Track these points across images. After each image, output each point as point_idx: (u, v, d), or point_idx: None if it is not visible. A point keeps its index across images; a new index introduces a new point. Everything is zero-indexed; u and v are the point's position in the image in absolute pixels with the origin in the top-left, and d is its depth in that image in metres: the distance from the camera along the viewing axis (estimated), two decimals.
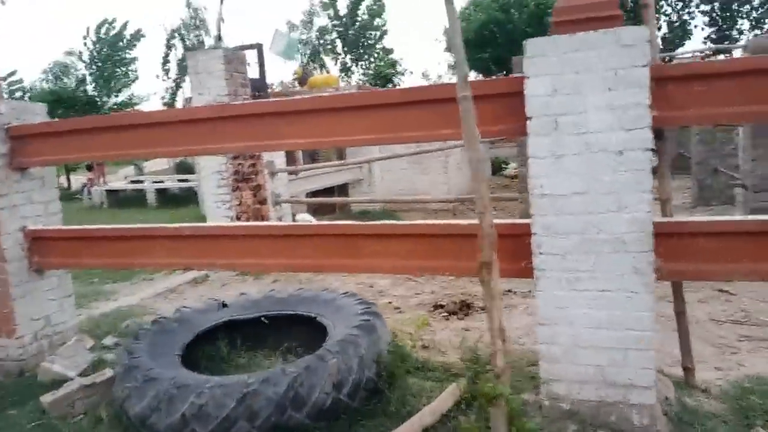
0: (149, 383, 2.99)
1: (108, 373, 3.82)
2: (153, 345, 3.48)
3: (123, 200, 18.26)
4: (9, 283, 4.25)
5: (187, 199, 16.50)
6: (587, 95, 2.69)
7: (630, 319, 2.74)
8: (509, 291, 5.37)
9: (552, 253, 2.82)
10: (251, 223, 3.70)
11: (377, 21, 20.80)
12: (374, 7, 21.26)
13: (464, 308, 4.93)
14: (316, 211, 10.40)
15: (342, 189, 11.25)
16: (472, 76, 18.40)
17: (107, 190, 18.69)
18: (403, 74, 20.15)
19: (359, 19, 21.04)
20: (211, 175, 7.84)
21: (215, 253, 3.83)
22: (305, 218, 8.92)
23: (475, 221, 2.62)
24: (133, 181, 19.64)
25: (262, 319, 4.07)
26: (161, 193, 17.57)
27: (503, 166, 17.71)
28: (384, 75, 18.70)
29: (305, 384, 2.90)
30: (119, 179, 22.25)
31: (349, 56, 21.40)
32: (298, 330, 4.00)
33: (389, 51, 21.07)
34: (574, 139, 2.72)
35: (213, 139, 3.58)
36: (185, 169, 20.80)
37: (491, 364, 2.49)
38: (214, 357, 3.84)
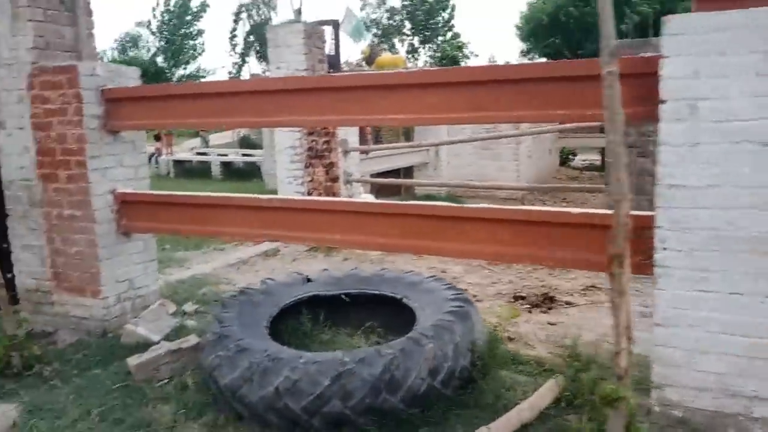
0: (242, 354, 2.95)
1: (193, 339, 3.83)
2: (241, 315, 3.45)
3: (188, 171, 18.64)
4: (97, 244, 4.31)
5: (251, 173, 16.69)
6: (732, 79, 2.45)
7: (762, 326, 2.51)
8: (592, 287, 5.14)
9: (678, 250, 2.61)
10: (344, 199, 3.62)
11: (446, 3, 20.43)
12: None
13: (547, 301, 4.74)
14: (378, 191, 10.31)
15: (407, 171, 11.12)
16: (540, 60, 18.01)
17: (174, 160, 19.11)
18: (469, 57, 19.79)
19: (429, 0, 20.73)
20: (284, 150, 7.83)
21: (304, 226, 3.76)
22: (368, 198, 8.85)
23: (586, 209, 2.46)
24: (198, 153, 20.04)
25: (343, 296, 4.00)
26: (225, 166, 17.84)
27: (570, 157, 17.19)
28: (451, 57, 18.36)
29: (401, 367, 2.80)
30: (184, 150, 22.75)
31: (416, 38, 21.12)
32: (380, 310, 3.91)
33: (457, 34, 20.71)
34: (714, 126, 2.49)
35: (308, 110, 3.50)
36: (248, 144, 21.08)
37: (613, 364, 2.32)
38: (297, 331, 3.79)
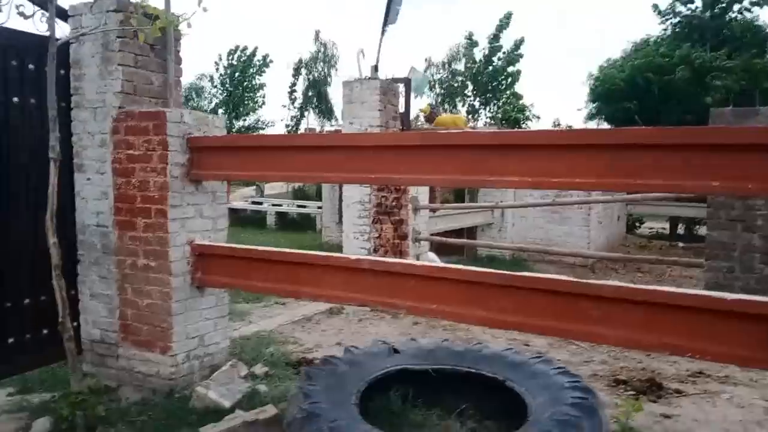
0: None
1: (270, 410, 3.49)
2: (328, 389, 3.09)
3: (243, 219, 18.69)
4: (171, 298, 4.07)
5: (305, 224, 16.60)
6: None
7: None
8: (700, 373, 4.60)
9: None
10: (450, 266, 3.29)
11: (511, 68, 20.41)
12: (513, 54, 20.89)
13: (654, 388, 4.22)
14: (437, 250, 9.95)
15: (470, 231, 10.77)
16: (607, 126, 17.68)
17: (229, 208, 19.19)
18: (531, 119, 19.55)
19: (494, 64, 20.74)
20: (352, 204, 7.62)
21: (397, 292, 3.43)
22: (430, 257, 8.49)
23: (740, 296, 2.04)
24: (254, 202, 20.15)
25: (433, 372, 3.61)
26: (280, 216, 17.83)
27: (637, 225, 16.51)
28: (513, 119, 18.16)
29: None
30: (238, 199, 22.98)
31: (477, 99, 21.10)
32: (475, 391, 3.50)
33: (519, 96, 20.58)
34: None
35: (418, 169, 3.22)
36: (302, 195, 21.15)
37: None
38: (385, 409, 3.40)
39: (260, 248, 4.19)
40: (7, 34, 3.92)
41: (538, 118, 19.97)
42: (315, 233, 14.71)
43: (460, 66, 21.84)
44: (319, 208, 14.38)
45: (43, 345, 4.29)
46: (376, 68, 7.65)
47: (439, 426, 3.32)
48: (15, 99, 4.02)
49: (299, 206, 18.42)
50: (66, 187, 4.30)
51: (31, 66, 4.10)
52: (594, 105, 18.87)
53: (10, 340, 4.08)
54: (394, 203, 7.24)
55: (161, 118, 3.99)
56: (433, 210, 9.06)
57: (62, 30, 4.14)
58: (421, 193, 7.62)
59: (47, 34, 3.53)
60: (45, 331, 4.29)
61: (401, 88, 8.36)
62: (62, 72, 4.27)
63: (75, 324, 4.48)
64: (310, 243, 12.59)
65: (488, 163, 3.09)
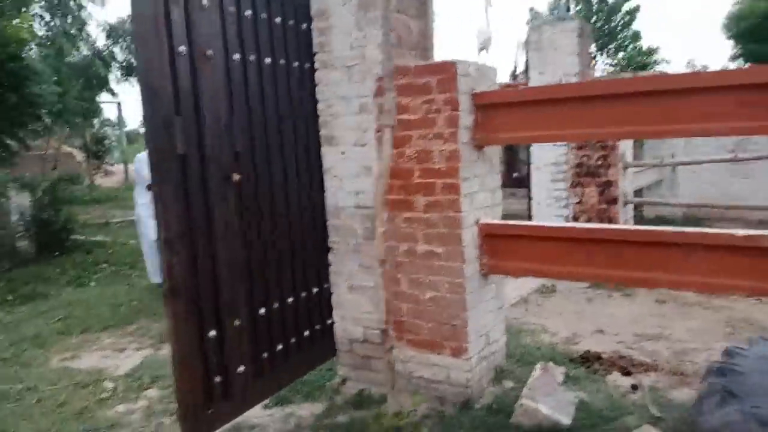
0: None
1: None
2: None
3: None
4: (464, 289, 3.37)
5: None
6: None
7: None
8: None
9: None
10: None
11: (626, 6, 18.58)
12: None
13: None
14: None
15: (636, 191, 9.69)
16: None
17: None
18: (658, 63, 17.75)
19: (608, 2, 18.95)
20: (544, 167, 6.76)
21: None
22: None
23: None
24: None
25: None
26: None
27: None
28: (640, 65, 16.58)
29: None
30: None
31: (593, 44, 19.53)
32: None
33: (639, 36, 18.83)
34: None
35: None
36: None
37: None
38: None
39: (557, 225, 3.42)
40: None
41: (668, 62, 18.06)
42: None
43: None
44: None
45: (304, 348, 3.70)
46: (567, 7, 6.63)
47: None
48: (267, 60, 3.34)
49: None
50: (306, 165, 3.66)
51: (277, 19, 3.41)
52: (737, 46, 16.74)
53: (279, 347, 3.49)
54: (599, 162, 6.33)
55: (449, 71, 3.22)
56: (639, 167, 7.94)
57: None
58: (627, 149, 6.67)
59: None
60: (306, 333, 3.70)
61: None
62: (303, 26, 3.58)
63: (329, 321, 3.89)
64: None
65: None
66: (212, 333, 3.01)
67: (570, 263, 3.21)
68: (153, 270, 6.77)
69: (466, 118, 3.28)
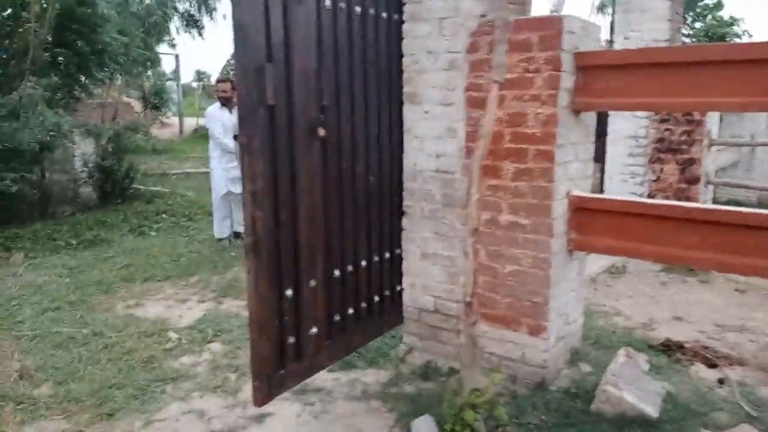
0: None
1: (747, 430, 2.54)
2: None
3: None
4: (550, 264, 3.17)
5: None
6: None
7: None
8: None
9: None
10: None
11: None
12: None
13: None
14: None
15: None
16: None
17: None
18: (740, 36, 16.60)
19: None
20: (621, 139, 6.41)
21: None
22: None
23: None
24: None
25: None
26: None
27: None
28: (719, 35, 15.61)
29: None
30: None
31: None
32: None
33: (720, 5, 17.71)
34: None
35: None
36: None
37: None
38: None
39: (656, 202, 3.17)
40: None
41: (750, 35, 16.82)
42: None
43: None
44: None
45: (374, 314, 3.59)
46: None
47: None
48: (357, 8, 3.15)
49: None
50: (388, 123, 3.49)
51: None
52: None
53: (350, 311, 3.38)
54: (682, 138, 5.95)
55: (554, 27, 2.97)
56: (724, 144, 7.52)
57: None
58: (714, 125, 6.27)
59: None
60: (376, 298, 3.59)
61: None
62: None
63: (398, 288, 3.77)
64: None
65: None
66: (289, 292, 2.91)
67: (671, 244, 2.97)
68: (218, 225, 6.81)
69: (567, 80, 3.04)
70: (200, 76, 28.28)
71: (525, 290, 3.25)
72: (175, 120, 20.55)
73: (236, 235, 7.00)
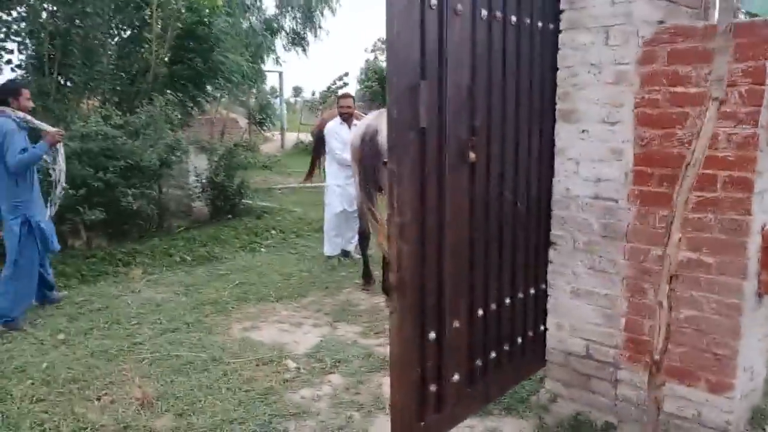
0: None
1: None
2: None
3: None
4: (741, 312, 2.67)
5: None
6: None
7: None
8: None
9: None
10: None
11: None
12: None
13: None
14: None
15: None
16: None
17: None
18: None
19: None
20: None
21: None
22: None
23: None
24: None
25: None
26: None
27: None
28: None
29: None
30: None
31: None
32: None
33: None
34: None
35: None
36: None
37: None
38: None
39: None
40: None
41: None
42: None
43: None
44: None
45: (515, 357, 3.21)
46: None
47: None
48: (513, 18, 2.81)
49: None
50: (538, 144, 3.11)
51: None
52: None
53: (492, 354, 3.01)
54: None
55: (758, 34, 2.49)
56: None
57: None
58: None
59: None
60: (518, 340, 3.20)
61: None
62: None
63: (542, 329, 3.36)
64: None
65: None
66: (432, 335, 2.59)
67: None
68: (329, 242, 6.67)
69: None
70: (297, 92, 29.01)
71: (706, 340, 2.76)
72: (277, 135, 21.03)
73: (345, 253, 6.83)
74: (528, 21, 2.88)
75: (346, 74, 20.62)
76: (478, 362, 2.92)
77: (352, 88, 21.92)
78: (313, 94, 24.21)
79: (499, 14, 2.70)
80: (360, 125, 5.51)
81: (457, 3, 2.46)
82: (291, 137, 21.59)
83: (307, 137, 21.44)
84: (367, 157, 5.16)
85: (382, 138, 5.18)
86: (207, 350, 4.27)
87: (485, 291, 2.91)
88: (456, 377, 2.76)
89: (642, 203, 2.88)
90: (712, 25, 2.62)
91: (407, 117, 2.32)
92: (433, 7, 2.37)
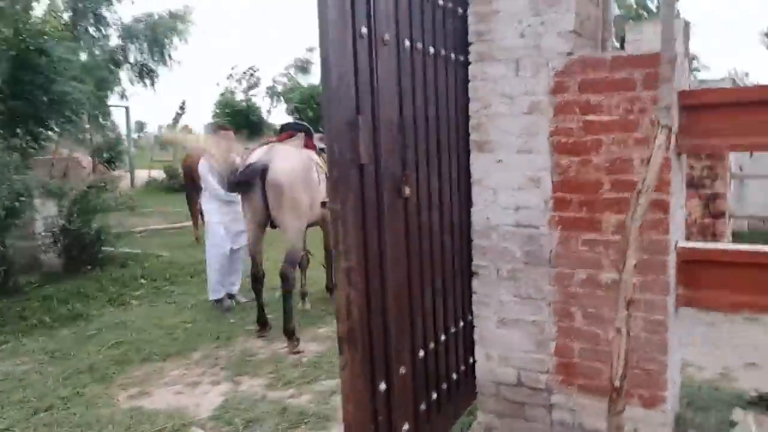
0: None
1: None
2: None
3: None
4: (666, 328, 2.79)
5: None
6: None
7: None
8: None
9: None
10: None
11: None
12: None
13: None
14: None
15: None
16: None
17: None
18: (699, 71, 16.97)
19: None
20: None
21: None
22: None
23: None
24: None
25: None
26: None
27: None
28: None
29: None
30: None
31: None
32: None
33: None
34: None
35: None
36: None
37: None
38: None
39: None
40: None
41: (708, 68, 17.32)
42: None
43: None
44: None
45: (452, 394, 3.11)
46: None
47: None
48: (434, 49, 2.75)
49: None
50: (457, 175, 3.09)
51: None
52: None
53: (434, 395, 2.89)
54: (704, 173, 5.79)
55: (654, 63, 2.64)
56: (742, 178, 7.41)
57: None
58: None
59: None
60: (454, 376, 3.11)
61: None
62: (459, 11, 3.00)
63: (471, 361, 3.30)
64: None
65: None
66: (383, 386, 2.41)
67: None
68: (214, 285, 6.17)
69: (676, 121, 2.71)
70: (141, 126, 27.35)
71: (636, 357, 2.84)
72: (124, 173, 19.59)
73: (230, 297, 6.38)
74: (443, 52, 2.85)
75: (183, 102, 19.76)
76: (422, 406, 2.77)
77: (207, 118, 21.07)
78: (160, 128, 22.94)
79: (419, 45, 2.63)
80: (252, 158, 5.18)
81: (385, 32, 2.35)
82: (141, 174, 20.24)
83: (160, 174, 20.21)
84: (257, 195, 4.89)
85: (274, 174, 4.93)
86: (92, 428, 3.70)
87: (424, 330, 2.79)
88: (406, 427, 2.59)
89: (563, 228, 2.94)
90: (620, 56, 2.76)
91: (348, 153, 2.15)
92: (363, 36, 2.23)
